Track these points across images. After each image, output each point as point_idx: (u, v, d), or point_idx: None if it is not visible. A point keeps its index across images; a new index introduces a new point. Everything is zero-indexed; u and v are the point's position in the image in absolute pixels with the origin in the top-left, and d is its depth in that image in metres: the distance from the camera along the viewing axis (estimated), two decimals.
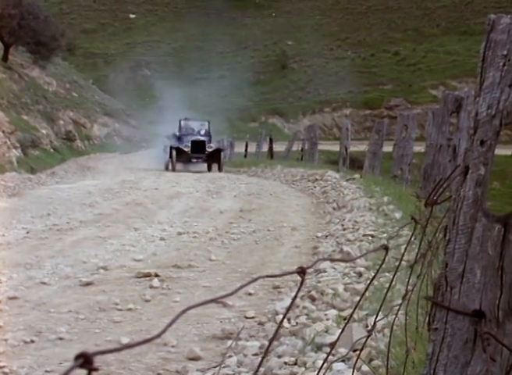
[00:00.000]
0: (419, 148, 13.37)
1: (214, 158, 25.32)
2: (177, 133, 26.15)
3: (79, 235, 8.90)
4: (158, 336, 0.78)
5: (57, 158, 23.80)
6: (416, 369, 2.67)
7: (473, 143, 1.44)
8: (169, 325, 0.80)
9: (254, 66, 63.97)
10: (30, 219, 10.19)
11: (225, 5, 74.03)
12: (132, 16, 78.11)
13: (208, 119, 28.66)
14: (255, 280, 1.11)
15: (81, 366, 0.66)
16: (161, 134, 28.17)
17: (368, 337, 2.01)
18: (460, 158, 1.48)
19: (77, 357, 0.65)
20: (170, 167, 24.16)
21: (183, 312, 0.84)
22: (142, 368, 4.17)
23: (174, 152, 24.43)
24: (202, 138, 25.62)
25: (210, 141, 25.88)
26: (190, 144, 24.96)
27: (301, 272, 1.14)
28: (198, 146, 25.12)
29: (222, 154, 26.01)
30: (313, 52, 64.18)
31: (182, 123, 26.93)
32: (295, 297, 1.22)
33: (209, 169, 25.73)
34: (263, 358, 1.24)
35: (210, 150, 25.22)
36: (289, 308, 1.28)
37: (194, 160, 25.28)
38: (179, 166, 24.62)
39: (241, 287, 1.03)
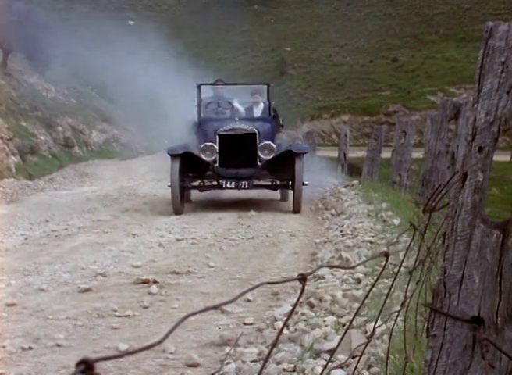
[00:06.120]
0: (418, 154, 13.42)
1: (282, 175, 11.44)
2: (196, 119, 12.06)
3: (77, 241, 8.89)
4: (160, 342, 0.78)
5: (55, 165, 23.76)
6: None
7: (471, 149, 1.44)
8: (170, 331, 0.80)
9: (253, 72, 63.99)
10: (28, 226, 10.18)
11: (223, 12, 74.12)
12: (130, 22, 78.19)
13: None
14: (257, 286, 1.12)
15: (82, 373, 0.66)
16: (163, 139, 25.64)
17: (367, 343, 2.01)
18: (459, 165, 1.48)
19: (79, 363, 0.66)
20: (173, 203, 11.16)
21: (184, 318, 0.84)
22: None
23: (176, 167, 10.80)
24: (246, 127, 11.25)
25: (272, 135, 11.69)
26: (216, 144, 11.18)
27: (302, 279, 1.15)
28: (236, 147, 11.17)
29: (301, 163, 11.06)
30: (311, 59, 64.28)
31: (209, 91, 12.68)
32: (296, 304, 1.23)
33: (283, 197, 12.66)
34: (263, 365, 1.24)
35: (268, 157, 11.20)
36: (289, 316, 1.29)
37: (229, 184, 11.23)
38: (196, 195, 12.74)
39: (242, 293, 1.03)
